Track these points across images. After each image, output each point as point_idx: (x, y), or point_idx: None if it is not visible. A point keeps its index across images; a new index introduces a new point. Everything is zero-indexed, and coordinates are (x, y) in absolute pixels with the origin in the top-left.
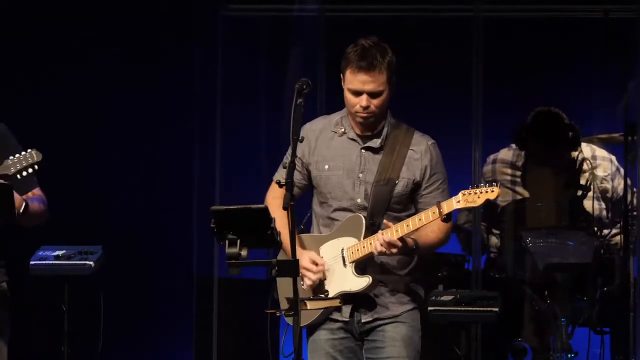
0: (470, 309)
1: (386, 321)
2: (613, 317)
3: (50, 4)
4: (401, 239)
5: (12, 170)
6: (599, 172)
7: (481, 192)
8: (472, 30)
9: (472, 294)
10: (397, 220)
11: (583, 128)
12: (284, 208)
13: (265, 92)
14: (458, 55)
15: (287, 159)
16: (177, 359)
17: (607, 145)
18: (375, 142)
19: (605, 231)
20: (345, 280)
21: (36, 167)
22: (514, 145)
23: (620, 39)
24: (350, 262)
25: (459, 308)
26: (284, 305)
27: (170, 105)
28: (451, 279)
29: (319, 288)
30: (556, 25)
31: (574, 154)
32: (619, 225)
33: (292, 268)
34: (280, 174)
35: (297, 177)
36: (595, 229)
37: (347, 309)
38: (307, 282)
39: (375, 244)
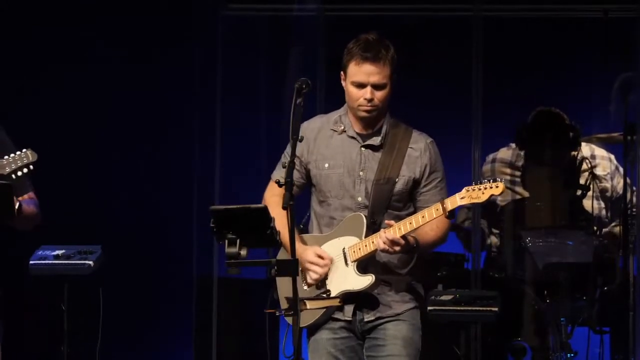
0: (469, 308)
1: (388, 319)
2: (612, 317)
3: (50, 4)
4: (403, 237)
5: (7, 170)
6: (598, 171)
7: (485, 188)
8: (471, 29)
9: (472, 293)
10: (397, 218)
11: (583, 128)
12: (284, 208)
13: (265, 92)
14: (458, 54)
15: (285, 158)
16: (176, 359)
17: (607, 145)
18: (375, 140)
19: (605, 230)
20: (347, 279)
21: (31, 167)
22: (513, 145)
23: (620, 38)
24: (352, 261)
25: (458, 308)
26: (283, 305)
27: (170, 105)
28: (450, 279)
29: (320, 287)
30: (556, 25)
31: (574, 153)
32: (617, 221)
33: (291, 267)
34: (279, 173)
35: (296, 175)
36: (595, 228)
37: (349, 309)
38: (314, 276)
39: (378, 242)
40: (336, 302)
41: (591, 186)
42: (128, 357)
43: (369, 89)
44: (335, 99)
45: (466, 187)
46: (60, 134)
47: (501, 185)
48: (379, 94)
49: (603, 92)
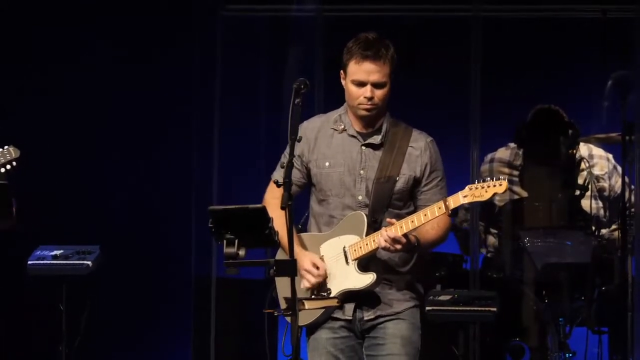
0: (468, 308)
1: (388, 318)
2: (611, 317)
3: (50, 4)
4: (405, 235)
5: None
6: (596, 171)
7: (488, 187)
8: (470, 29)
9: (470, 293)
10: (398, 217)
11: (581, 128)
12: (282, 208)
13: (264, 92)
14: (456, 54)
15: (284, 158)
16: (175, 359)
17: (606, 145)
18: (376, 139)
19: (604, 231)
20: (348, 278)
21: (14, 163)
22: (511, 145)
23: (619, 38)
24: (353, 260)
25: (456, 308)
26: (282, 304)
27: (169, 105)
28: (449, 279)
29: (320, 287)
30: (554, 25)
31: (572, 152)
32: (617, 222)
33: (290, 268)
34: (279, 174)
35: (297, 175)
36: (593, 228)
37: (349, 307)
38: (306, 284)
39: (379, 240)
40: (334, 302)
41: (589, 186)
42: (127, 357)
43: (368, 87)
44: (333, 98)
45: (469, 186)
46: (58, 134)
47: (504, 184)
48: (379, 93)
49: (602, 93)
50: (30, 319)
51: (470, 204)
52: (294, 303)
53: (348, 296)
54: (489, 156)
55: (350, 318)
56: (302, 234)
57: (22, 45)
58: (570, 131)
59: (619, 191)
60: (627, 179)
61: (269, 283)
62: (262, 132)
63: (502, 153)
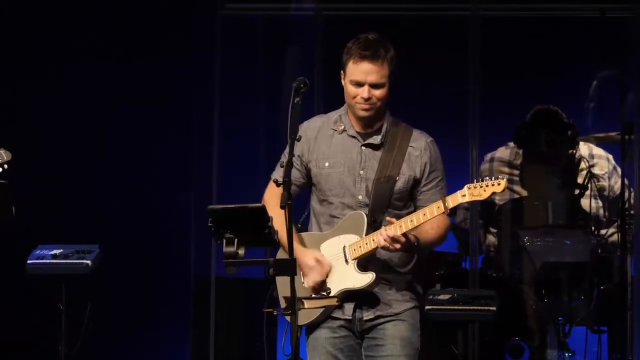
0: (467, 308)
1: (387, 319)
2: (610, 316)
3: (49, 3)
4: (404, 234)
5: None
6: (596, 171)
7: (487, 186)
8: (469, 29)
9: (470, 293)
10: (398, 217)
11: (580, 128)
12: (282, 207)
13: (263, 91)
14: (455, 54)
15: (284, 157)
16: (174, 358)
17: (605, 145)
18: (376, 139)
19: (603, 231)
20: (347, 277)
21: (5, 166)
22: (511, 144)
23: (617, 37)
24: (353, 259)
25: (456, 307)
26: (283, 304)
27: (168, 104)
28: (448, 278)
29: (320, 286)
30: (553, 24)
31: (572, 152)
32: (616, 224)
33: (289, 267)
34: (278, 173)
35: (296, 175)
36: (593, 227)
37: (349, 307)
38: (310, 282)
39: (378, 239)
40: (334, 302)
41: (589, 185)
42: (126, 356)
43: (366, 87)
44: (333, 98)
45: (468, 185)
46: (58, 134)
47: (503, 183)
48: (377, 93)
49: (600, 91)
50: (29, 318)
51: (470, 203)
52: (294, 302)
53: (347, 296)
54: (489, 155)
55: (350, 318)
56: (302, 233)
57: (21, 45)
58: (569, 132)
59: (618, 191)
60: (626, 180)
61: (269, 282)
62: (262, 131)
63: (502, 152)
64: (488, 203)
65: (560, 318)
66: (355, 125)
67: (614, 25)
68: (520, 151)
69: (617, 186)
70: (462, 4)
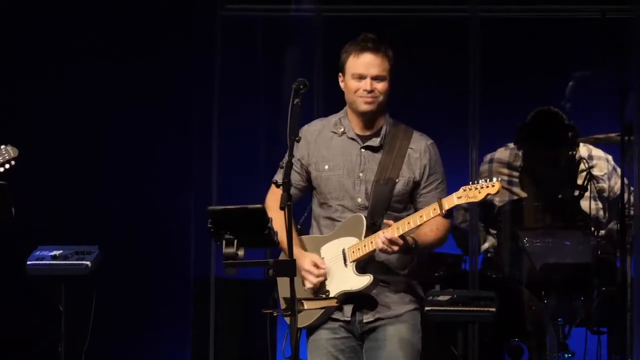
0: (467, 309)
1: (388, 321)
2: (610, 317)
3: (48, 3)
4: (402, 236)
5: None
6: (596, 172)
7: (482, 187)
8: (468, 30)
9: (469, 294)
10: (397, 220)
11: (580, 129)
12: (281, 208)
13: (263, 92)
14: (455, 55)
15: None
16: (174, 359)
17: (604, 146)
18: (375, 141)
19: (602, 232)
20: (346, 279)
21: (13, 162)
22: (511, 145)
23: (618, 39)
24: (351, 262)
25: (455, 308)
26: (283, 305)
27: (168, 105)
28: (448, 279)
29: (320, 288)
30: (553, 25)
31: (571, 153)
32: (616, 223)
33: (288, 268)
34: (279, 175)
35: (296, 178)
36: (592, 228)
37: (348, 309)
38: (308, 285)
39: (376, 241)
40: (333, 303)
41: (588, 186)
42: (126, 356)
43: (368, 80)
44: (333, 99)
45: (463, 187)
46: (58, 134)
47: (497, 185)
48: (379, 86)
49: (601, 93)
50: (29, 319)
51: (468, 204)
52: (293, 303)
53: (346, 298)
54: (488, 156)
55: (349, 319)
56: (303, 236)
57: (21, 45)
58: (569, 133)
59: (618, 192)
60: (626, 180)
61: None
62: (262, 131)
63: (502, 153)
64: (487, 204)
65: (559, 319)
66: (355, 127)
67: (614, 26)
68: (520, 152)
69: (617, 186)
70: (461, 5)
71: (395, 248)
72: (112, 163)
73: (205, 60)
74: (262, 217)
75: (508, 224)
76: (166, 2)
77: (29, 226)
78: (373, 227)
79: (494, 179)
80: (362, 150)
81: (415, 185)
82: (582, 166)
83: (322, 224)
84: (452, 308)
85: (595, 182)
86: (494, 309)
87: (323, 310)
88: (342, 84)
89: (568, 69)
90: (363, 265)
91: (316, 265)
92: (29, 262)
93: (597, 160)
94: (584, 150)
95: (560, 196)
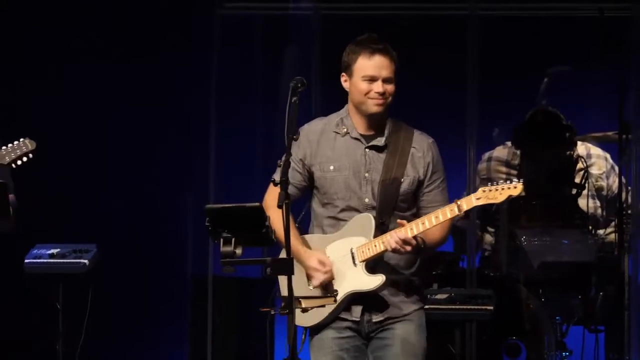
0: (464, 307)
1: (396, 320)
2: (607, 316)
3: (47, 4)
4: (414, 237)
5: (7, 159)
6: (594, 170)
7: (502, 189)
8: (467, 28)
9: (467, 292)
10: (406, 219)
11: (578, 127)
12: (279, 206)
13: (261, 90)
14: (453, 54)
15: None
16: (172, 357)
17: (602, 144)
18: (380, 141)
19: (600, 231)
20: (356, 279)
21: (30, 155)
22: (509, 144)
23: (616, 37)
24: (361, 261)
25: (453, 306)
26: (305, 302)
27: (165, 103)
28: (446, 278)
29: (327, 287)
30: (551, 24)
31: (569, 152)
32: (613, 223)
33: (286, 266)
34: (278, 174)
35: (297, 178)
36: (590, 227)
37: (357, 309)
38: (315, 282)
39: (389, 241)
40: (331, 301)
41: (586, 185)
42: (124, 355)
43: (380, 82)
44: (331, 97)
45: (482, 188)
46: (55, 133)
47: (520, 186)
48: (389, 88)
49: (599, 91)
50: (27, 317)
51: (483, 206)
52: (291, 301)
53: (355, 298)
54: (487, 155)
55: (358, 319)
56: (307, 235)
57: (21, 45)
58: (567, 133)
59: (616, 191)
60: (624, 179)
61: (266, 282)
62: (259, 130)
63: (500, 152)
64: None
65: (557, 317)
66: (358, 127)
67: (613, 25)
68: (518, 151)
69: (615, 185)
70: (460, 4)
71: (409, 248)
72: (110, 162)
73: (204, 60)
74: (260, 216)
75: (506, 222)
76: (165, 2)
77: (28, 225)
78: (382, 227)
79: (515, 180)
80: (367, 150)
81: (419, 184)
82: (580, 164)
83: (326, 224)
84: (449, 306)
85: (593, 180)
86: (491, 308)
87: (332, 309)
88: (345, 84)
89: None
90: (372, 265)
91: (323, 263)
92: (26, 261)
93: (595, 158)
94: (582, 148)
95: (557, 194)
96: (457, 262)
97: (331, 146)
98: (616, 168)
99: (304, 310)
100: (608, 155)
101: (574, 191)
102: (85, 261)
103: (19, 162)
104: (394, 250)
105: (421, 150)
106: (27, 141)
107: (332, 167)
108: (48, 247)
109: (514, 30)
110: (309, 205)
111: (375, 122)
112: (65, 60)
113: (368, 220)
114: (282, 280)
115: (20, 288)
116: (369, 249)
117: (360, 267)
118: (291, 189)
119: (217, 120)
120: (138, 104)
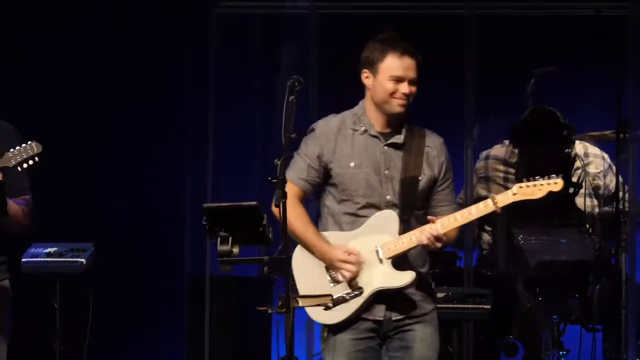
0: (462, 306)
1: (414, 320)
2: (605, 315)
3: (49, 3)
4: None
5: (13, 162)
6: (591, 169)
7: (542, 185)
8: (464, 27)
9: (464, 291)
10: (418, 217)
11: (575, 126)
12: (276, 205)
13: (258, 89)
14: (451, 52)
15: (299, 156)
16: (169, 357)
17: (599, 143)
18: (399, 138)
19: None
20: (383, 276)
21: (37, 158)
22: (506, 142)
23: (613, 36)
24: (387, 258)
25: (451, 305)
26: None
27: (163, 103)
28: (443, 277)
29: (352, 286)
30: (548, 23)
31: (567, 151)
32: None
33: (283, 266)
34: (295, 174)
35: (312, 174)
36: (587, 226)
37: (380, 308)
38: (347, 274)
39: (420, 237)
40: (327, 300)
41: (584, 184)
42: (120, 355)
43: (406, 83)
44: (327, 96)
45: (519, 184)
46: (53, 133)
47: (560, 182)
48: (413, 89)
49: (596, 90)
50: (24, 317)
51: (520, 202)
52: (288, 301)
53: (379, 296)
54: (484, 153)
55: (381, 319)
56: (325, 232)
57: (18, 45)
58: (565, 132)
59: (613, 190)
60: (621, 178)
61: (264, 281)
62: (256, 129)
63: (498, 150)
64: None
65: (554, 316)
66: (375, 124)
67: (610, 23)
68: (516, 150)
69: (613, 184)
70: (458, 2)
71: (439, 245)
72: (107, 161)
73: (200, 58)
74: (257, 215)
75: (503, 221)
76: (163, 2)
77: None
78: (405, 224)
79: (554, 176)
80: (385, 147)
81: (434, 183)
82: (577, 163)
83: (344, 221)
84: (447, 305)
85: (590, 179)
86: (488, 307)
87: (358, 306)
88: (367, 81)
89: (563, 67)
90: (397, 262)
91: (352, 254)
92: (23, 259)
93: (593, 157)
94: (580, 147)
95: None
96: (455, 261)
97: (349, 143)
98: (613, 167)
99: (327, 307)
100: (606, 155)
101: (572, 190)
102: (83, 260)
103: (25, 165)
104: (425, 247)
105: (435, 149)
106: (33, 144)
107: (352, 164)
108: (45, 246)
109: (511, 29)
110: (319, 203)
111: (394, 121)
112: (63, 60)
113: (392, 217)
114: (299, 276)
115: (17, 287)
116: (395, 246)
117: (387, 264)
118: (305, 186)
119: (215, 119)
120: (135, 103)
